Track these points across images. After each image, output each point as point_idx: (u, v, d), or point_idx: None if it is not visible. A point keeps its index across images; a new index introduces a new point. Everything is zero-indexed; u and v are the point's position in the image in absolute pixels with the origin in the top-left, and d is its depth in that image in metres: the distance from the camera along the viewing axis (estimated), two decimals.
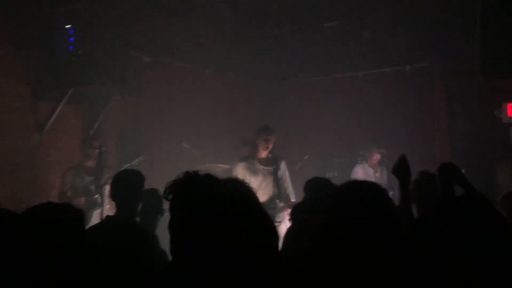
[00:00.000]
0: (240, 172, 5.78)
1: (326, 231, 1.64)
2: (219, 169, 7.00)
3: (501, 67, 5.71)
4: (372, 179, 7.06)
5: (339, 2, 7.43)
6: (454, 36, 7.51)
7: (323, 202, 1.70)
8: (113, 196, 3.22)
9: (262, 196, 5.74)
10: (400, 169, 2.82)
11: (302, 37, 8.69)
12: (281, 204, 5.71)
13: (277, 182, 5.74)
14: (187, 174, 1.80)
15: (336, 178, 7.15)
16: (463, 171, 7.18)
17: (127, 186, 3.08)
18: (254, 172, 5.86)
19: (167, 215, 1.79)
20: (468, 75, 7.08)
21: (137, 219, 3.27)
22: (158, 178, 3.49)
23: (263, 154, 5.90)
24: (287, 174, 6.09)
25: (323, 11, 7.86)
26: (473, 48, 6.20)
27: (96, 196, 5.82)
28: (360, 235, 1.55)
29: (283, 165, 5.98)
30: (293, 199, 5.91)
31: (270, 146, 5.86)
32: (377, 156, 7.24)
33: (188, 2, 7.26)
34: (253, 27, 8.50)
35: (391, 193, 6.82)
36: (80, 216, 2.02)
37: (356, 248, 1.55)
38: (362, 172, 7.20)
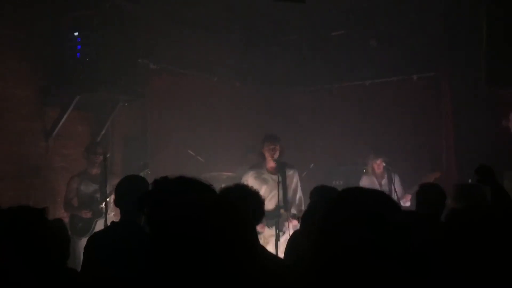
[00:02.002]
0: (250, 180, 5.79)
1: (321, 237, 1.62)
2: (224, 176, 7.01)
3: (506, 77, 5.71)
4: (377, 188, 7.02)
5: (347, 11, 7.45)
6: (460, 46, 7.50)
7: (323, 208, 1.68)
8: (117, 202, 3.23)
9: (269, 204, 5.73)
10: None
11: (309, 45, 8.71)
12: (285, 213, 5.69)
13: (284, 191, 5.72)
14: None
15: (342, 186, 7.07)
16: (469, 180, 7.16)
17: (130, 192, 3.09)
18: (263, 180, 5.88)
19: None
20: (475, 84, 7.06)
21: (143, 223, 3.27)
22: None
23: (271, 163, 5.91)
24: (298, 183, 6.06)
25: (331, 20, 7.89)
26: (479, 58, 6.20)
27: (101, 206, 5.82)
28: (356, 240, 1.53)
29: (294, 175, 5.96)
30: (303, 208, 5.92)
31: (276, 155, 5.86)
32: (377, 164, 7.16)
33: (196, 11, 7.31)
34: (260, 35, 8.54)
35: (402, 201, 6.79)
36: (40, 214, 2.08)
37: (354, 253, 1.54)
38: (367, 183, 7.13)
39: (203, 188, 1.99)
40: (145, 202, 1.93)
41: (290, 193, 5.88)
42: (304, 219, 3.63)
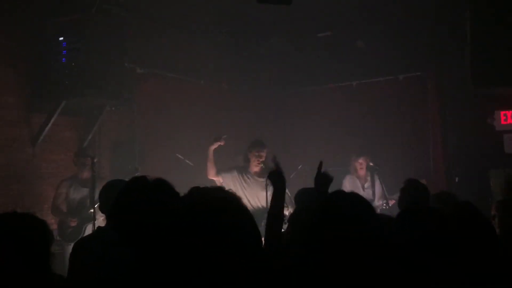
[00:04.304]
0: (231, 180, 5.85)
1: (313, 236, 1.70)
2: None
3: (490, 76, 5.77)
4: (360, 190, 6.96)
5: (332, 12, 7.48)
6: (446, 46, 7.56)
7: (311, 212, 1.77)
8: (101, 207, 3.21)
9: (254, 207, 5.77)
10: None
11: (295, 47, 8.74)
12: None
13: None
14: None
15: (331, 187, 7.07)
16: (456, 179, 7.22)
17: (113, 196, 3.08)
18: (249, 184, 5.94)
19: None
20: (461, 83, 7.12)
21: None
22: None
23: (255, 168, 5.98)
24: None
25: (317, 22, 7.92)
26: (464, 57, 6.26)
27: (91, 211, 5.78)
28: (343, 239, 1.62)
29: None
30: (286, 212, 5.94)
31: (262, 162, 5.93)
32: (359, 164, 7.09)
33: (182, 14, 7.30)
34: (246, 38, 8.55)
35: (382, 203, 6.76)
36: (43, 225, 2.08)
37: (345, 249, 1.61)
38: (349, 184, 7.07)
39: (168, 192, 2.00)
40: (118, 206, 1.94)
41: None
42: (293, 222, 3.64)
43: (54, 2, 6.25)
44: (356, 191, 6.78)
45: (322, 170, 3.03)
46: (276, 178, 2.93)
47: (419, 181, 4.24)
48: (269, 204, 5.62)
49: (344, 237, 1.62)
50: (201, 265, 1.41)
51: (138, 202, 1.95)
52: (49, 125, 6.36)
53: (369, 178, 7.03)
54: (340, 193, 1.92)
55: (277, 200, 2.84)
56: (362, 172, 7.08)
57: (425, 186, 4.11)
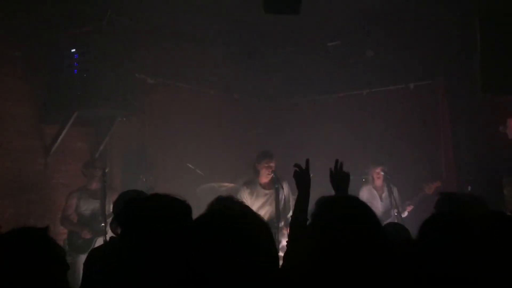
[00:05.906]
0: (245, 196, 5.90)
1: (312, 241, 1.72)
2: (223, 188, 7.02)
3: (500, 84, 5.76)
4: (378, 201, 6.96)
5: (342, 21, 7.50)
6: (456, 53, 7.54)
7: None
8: (115, 218, 3.24)
9: (264, 217, 5.81)
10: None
11: (305, 56, 8.75)
12: (281, 224, 5.78)
13: (278, 203, 5.80)
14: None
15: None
16: (469, 188, 7.14)
17: None
18: (256, 196, 6.02)
19: None
20: (472, 91, 7.08)
21: None
22: None
23: (265, 179, 6.01)
24: (290, 195, 6.12)
25: (326, 31, 7.94)
26: (475, 65, 6.24)
27: (102, 224, 5.78)
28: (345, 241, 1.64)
29: (286, 187, 6.03)
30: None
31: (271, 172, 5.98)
32: (377, 174, 7.05)
33: (191, 24, 7.35)
34: (257, 47, 8.59)
35: (395, 212, 6.71)
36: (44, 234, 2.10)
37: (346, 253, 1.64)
38: (367, 194, 7.01)
39: (178, 204, 2.02)
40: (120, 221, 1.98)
41: (281, 205, 5.96)
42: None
43: (66, 14, 6.34)
44: (374, 201, 6.83)
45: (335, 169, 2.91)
46: (300, 179, 2.84)
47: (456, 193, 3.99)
48: (272, 215, 5.72)
49: (341, 240, 1.64)
50: (208, 274, 1.42)
51: (148, 211, 1.97)
52: (62, 136, 6.42)
53: (385, 188, 6.96)
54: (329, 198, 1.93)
55: (300, 206, 2.73)
56: (379, 182, 7.03)
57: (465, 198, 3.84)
